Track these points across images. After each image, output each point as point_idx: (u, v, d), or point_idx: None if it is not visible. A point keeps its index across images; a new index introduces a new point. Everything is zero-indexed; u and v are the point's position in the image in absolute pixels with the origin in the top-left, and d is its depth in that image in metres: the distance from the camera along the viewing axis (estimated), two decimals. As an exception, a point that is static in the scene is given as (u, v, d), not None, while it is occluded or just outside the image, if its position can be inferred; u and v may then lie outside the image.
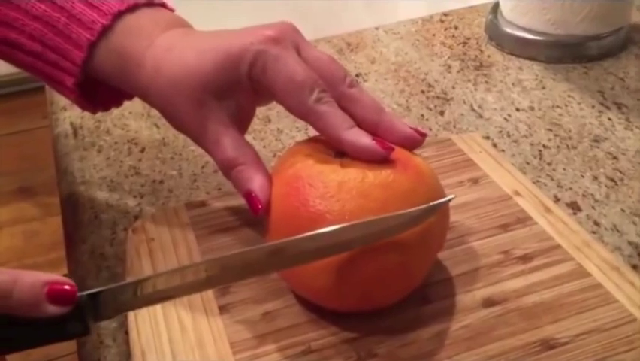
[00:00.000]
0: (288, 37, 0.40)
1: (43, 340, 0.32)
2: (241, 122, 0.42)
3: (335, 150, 0.39)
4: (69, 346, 0.38)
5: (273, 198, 0.39)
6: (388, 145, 0.38)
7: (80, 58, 0.41)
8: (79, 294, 0.31)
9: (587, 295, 0.39)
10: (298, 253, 0.35)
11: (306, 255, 0.35)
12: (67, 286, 0.30)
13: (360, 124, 0.39)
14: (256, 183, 0.39)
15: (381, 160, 0.37)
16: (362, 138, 0.38)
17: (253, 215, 0.39)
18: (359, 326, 0.38)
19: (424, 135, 0.41)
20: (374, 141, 0.38)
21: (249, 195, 0.39)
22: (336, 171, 0.37)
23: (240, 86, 0.40)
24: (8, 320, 0.30)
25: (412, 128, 0.40)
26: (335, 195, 0.36)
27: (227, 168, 0.41)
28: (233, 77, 0.40)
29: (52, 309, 0.30)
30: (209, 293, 0.40)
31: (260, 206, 0.38)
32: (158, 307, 0.39)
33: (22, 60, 0.44)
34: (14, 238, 1.73)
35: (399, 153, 0.39)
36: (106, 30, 0.41)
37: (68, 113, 0.62)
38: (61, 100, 0.64)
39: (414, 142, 0.40)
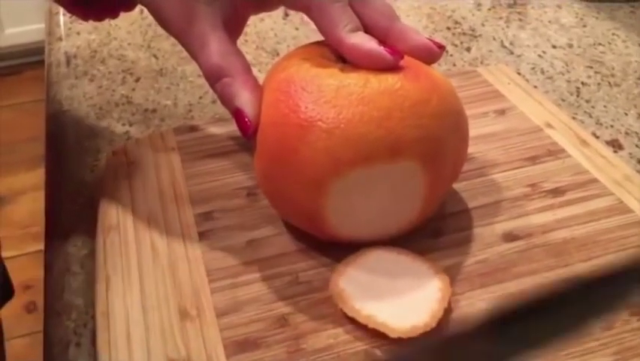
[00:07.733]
0: None
1: None
2: (233, 27, 0.37)
3: (337, 56, 0.34)
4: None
5: (262, 107, 0.33)
6: (398, 51, 0.32)
7: None
8: None
9: (629, 232, 0.33)
10: None
11: None
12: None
13: (369, 30, 0.34)
14: (244, 99, 0.34)
15: (388, 68, 0.32)
16: (367, 42, 0.32)
17: (243, 136, 0.34)
18: (357, 259, 0.33)
19: (442, 47, 0.35)
20: (381, 46, 0.32)
21: (237, 114, 0.34)
22: (334, 75, 0.32)
23: None
24: None
25: (428, 39, 0.35)
26: (331, 100, 0.31)
27: (213, 78, 0.36)
28: None
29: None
30: (189, 218, 0.35)
31: (249, 125, 0.33)
32: (130, 232, 0.35)
33: None
34: (37, 203, 1.71)
35: (410, 61, 0.33)
36: None
37: (64, 43, 0.58)
38: (58, 31, 0.59)
39: (430, 54, 0.34)
